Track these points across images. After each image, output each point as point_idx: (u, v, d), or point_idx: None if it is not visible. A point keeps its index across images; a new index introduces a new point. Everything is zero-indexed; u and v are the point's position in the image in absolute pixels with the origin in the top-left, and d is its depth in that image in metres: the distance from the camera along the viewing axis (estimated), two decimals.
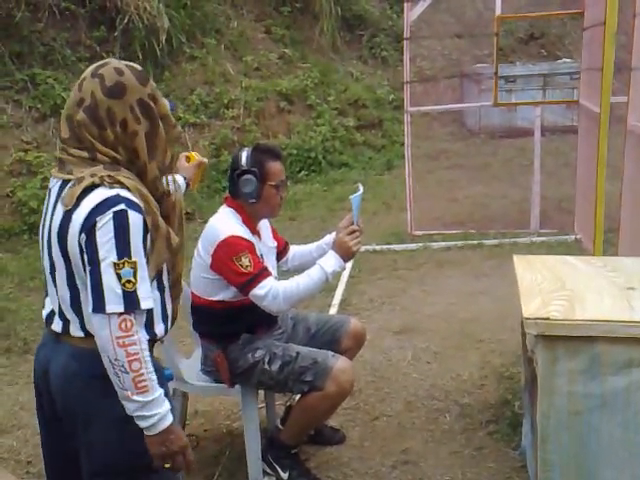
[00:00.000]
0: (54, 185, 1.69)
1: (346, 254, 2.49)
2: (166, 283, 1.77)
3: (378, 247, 5.59)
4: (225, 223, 2.56)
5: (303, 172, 8.30)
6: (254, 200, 2.55)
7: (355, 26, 10.64)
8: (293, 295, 2.46)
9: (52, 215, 1.66)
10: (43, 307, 1.80)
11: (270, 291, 2.45)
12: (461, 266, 5.07)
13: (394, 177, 7.86)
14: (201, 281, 2.60)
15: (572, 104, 6.65)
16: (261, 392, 2.80)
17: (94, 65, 1.70)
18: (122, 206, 1.58)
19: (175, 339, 2.70)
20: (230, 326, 2.60)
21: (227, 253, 2.47)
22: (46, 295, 1.79)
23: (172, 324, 1.85)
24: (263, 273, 2.47)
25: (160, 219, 1.68)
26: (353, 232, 2.49)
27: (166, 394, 1.67)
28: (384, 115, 9.68)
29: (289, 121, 8.88)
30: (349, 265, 4.92)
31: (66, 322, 1.70)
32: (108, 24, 7.73)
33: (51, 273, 1.70)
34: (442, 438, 2.94)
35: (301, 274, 2.52)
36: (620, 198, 3.89)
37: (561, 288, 2.30)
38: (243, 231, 2.54)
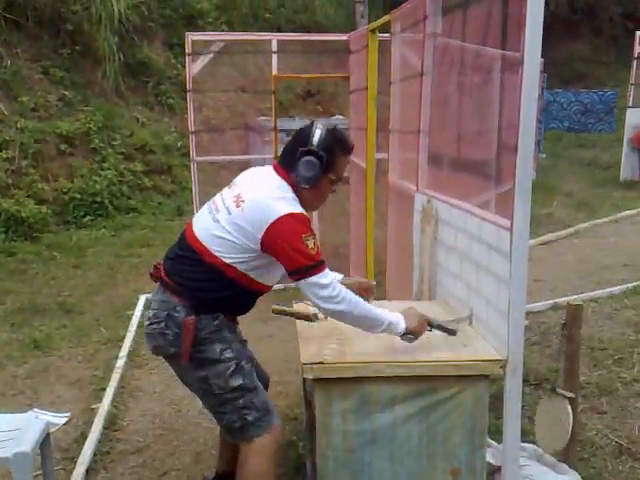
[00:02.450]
0: None
1: (415, 327, 2.30)
2: None
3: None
4: (287, 198, 2.29)
5: (88, 217, 8.02)
6: (307, 186, 2.33)
7: (139, 72, 10.53)
8: (358, 305, 2.25)
9: None
10: None
11: (332, 283, 2.24)
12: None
13: (185, 223, 7.83)
14: (223, 241, 2.32)
15: None
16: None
17: None
18: None
19: None
20: (224, 297, 2.37)
21: (294, 228, 2.23)
22: None
23: None
24: (324, 264, 2.26)
25: None
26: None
27: None
28: (172, 161, 9.69)
29: (71, 164, 8.51)
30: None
31: None
32: None
33: None
34: None
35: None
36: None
37: (333, 331, 2.48)
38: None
